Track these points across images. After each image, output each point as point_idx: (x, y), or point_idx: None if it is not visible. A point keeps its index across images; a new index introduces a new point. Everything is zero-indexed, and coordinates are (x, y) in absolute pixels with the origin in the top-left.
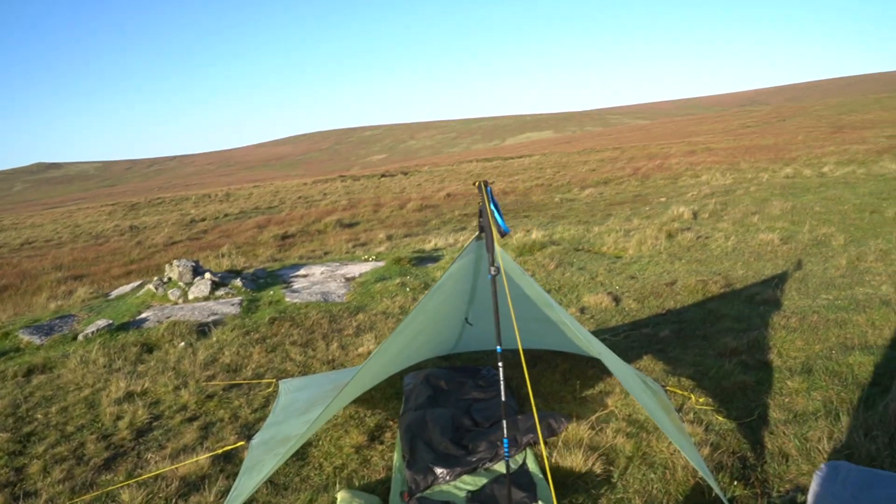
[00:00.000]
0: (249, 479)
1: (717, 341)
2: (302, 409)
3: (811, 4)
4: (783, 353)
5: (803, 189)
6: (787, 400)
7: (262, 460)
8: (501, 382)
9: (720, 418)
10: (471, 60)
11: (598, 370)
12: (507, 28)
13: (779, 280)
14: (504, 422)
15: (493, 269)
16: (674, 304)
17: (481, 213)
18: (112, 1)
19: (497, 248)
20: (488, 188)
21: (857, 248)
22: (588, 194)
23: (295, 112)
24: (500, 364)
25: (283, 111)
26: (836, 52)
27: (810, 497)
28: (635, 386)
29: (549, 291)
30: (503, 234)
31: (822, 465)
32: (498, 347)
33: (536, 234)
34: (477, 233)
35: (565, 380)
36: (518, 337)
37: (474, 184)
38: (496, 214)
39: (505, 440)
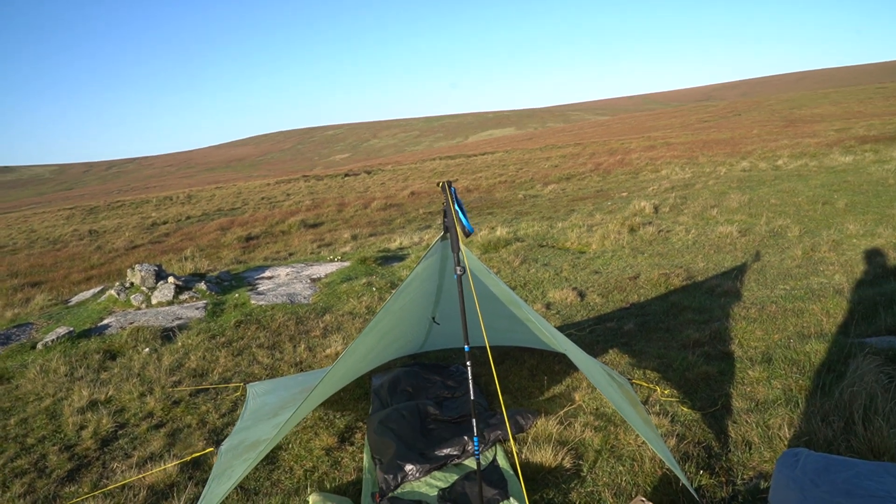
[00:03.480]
0: (219, 486)
1: (680, 333)
2: (271, 412)
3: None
4: (744, 343)
5: (759, 182)
6: (748, 389)
7: (231, 466)
8: (470, 381)
9: (685, 409)
10: (432, 59)
11: (564, 366)
12: (467, 26)
13: (738, 271)
14: (473, 419)
15: (458, 268)
16: (637, 298)
17: (446, 214)
18: None
19: (462, 247)
20: (452, 188)
21: (812, 239)
22: (551, 190)
23: (256, 112)
24: (468, 363)
25: (243, 111)
26: (788, 46)
27: (773, 483)
28: (601, 380)
29: (514, 288)
30: (468, 234)
31: (784, 452)
32: (466, 346)
33: (501, 231)
34: (442, 233)
35: (533, 376)
36: (485, 335)
37: (438, 184)
38: (460, 214)
39: (475, 438)
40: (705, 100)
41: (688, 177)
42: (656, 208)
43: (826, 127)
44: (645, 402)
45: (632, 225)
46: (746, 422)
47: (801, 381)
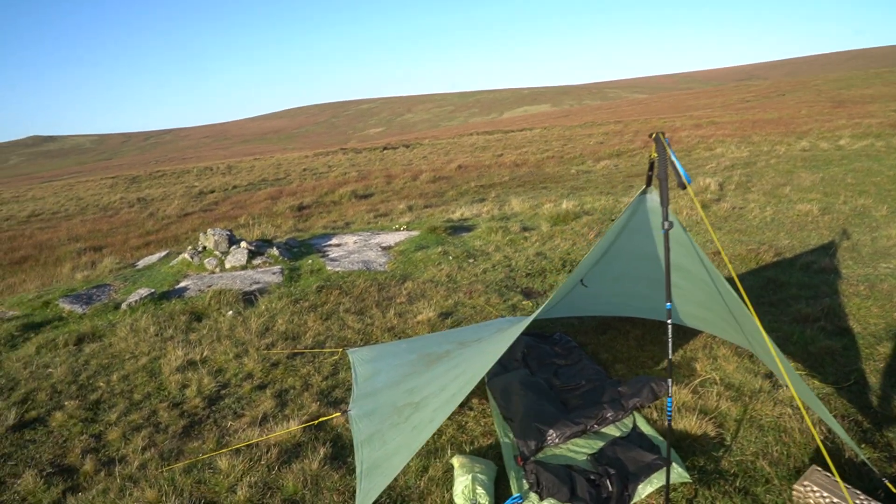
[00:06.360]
0: (373, 451)
1: (788, 308)
2: (396, 378)
3: None
4: (861, 319)
5: (825, 161)
6: (881, 365)
7: (378, 430)
8: (669, 341)
9: (817, 383)
10: (467, 33)
11: (674, 336)
12: (503, 1)
13: (828, 249)
14: (669, 380)
15: (666, 223)
16: (727, 273)
17: (651, 167)
18: None
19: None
20: (666, 139)
21: None
22: (603, 166)
23: (290, 85)
24: (669, 321)
25: (277, 84)
26: (835, 26)
27: None
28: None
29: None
30: (685, 186)
31: None
32: (668, 304)
33: (567, 205)
34: (644, 187)
35: (640, 346)
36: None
37: (650, 135)
38: (677, 165)
39: (669, 399)
40: (746, 79)
41: (745, 155)
42: (721, 186)
43: (882, 108)
44: (770, 375)
45: (703, 201)
46: (894, 397)
47: None
